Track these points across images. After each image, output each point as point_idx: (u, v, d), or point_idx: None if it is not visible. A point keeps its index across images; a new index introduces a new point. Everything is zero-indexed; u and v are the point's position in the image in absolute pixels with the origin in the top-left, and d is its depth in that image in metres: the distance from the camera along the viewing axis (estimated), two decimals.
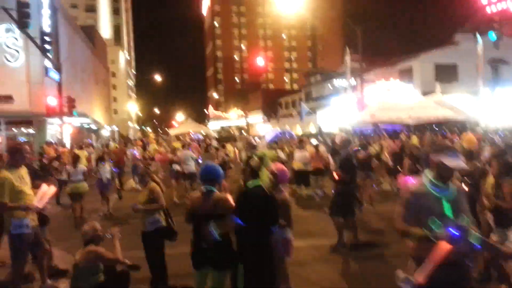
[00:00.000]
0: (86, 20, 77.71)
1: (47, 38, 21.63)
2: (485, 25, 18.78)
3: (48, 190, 5.14)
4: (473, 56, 20.27)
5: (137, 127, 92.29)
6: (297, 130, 31.02)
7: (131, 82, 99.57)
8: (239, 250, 3.65)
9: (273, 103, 56.13)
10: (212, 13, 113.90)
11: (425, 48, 30.66)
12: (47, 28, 24.71)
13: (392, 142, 12.77)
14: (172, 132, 46.75)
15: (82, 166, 10.30)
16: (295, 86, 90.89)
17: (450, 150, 3.07)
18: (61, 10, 31.35)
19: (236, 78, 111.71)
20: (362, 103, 21.85)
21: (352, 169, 7.23)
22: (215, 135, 45.75)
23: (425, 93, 23.43)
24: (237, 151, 14.42)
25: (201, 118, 79.91)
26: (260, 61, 27.20)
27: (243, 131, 49.49)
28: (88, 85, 41.71)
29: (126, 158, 16.82)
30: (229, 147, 15.59)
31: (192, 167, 12.32)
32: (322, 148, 12.58)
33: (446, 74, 28.06)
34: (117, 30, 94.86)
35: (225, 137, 36.91)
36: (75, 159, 10.26)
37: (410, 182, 3.72)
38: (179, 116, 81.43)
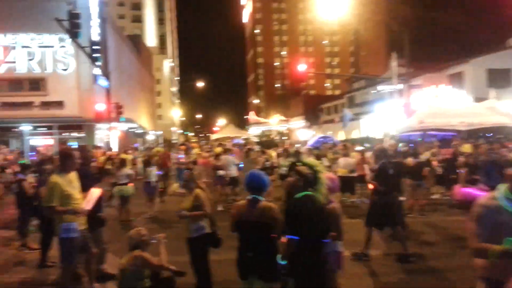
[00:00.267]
0: (133, 30, 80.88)
1: (96, 47, 22.55)
2: None
3: (95, 193, 5.19)
4: None
5: (180, 132, 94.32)
6: (340, 136, 30.41)
7: (174, 89, 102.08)
8: (289, 263, 3.45)
9: (314, 109, 55.50)
10: (254, 21, 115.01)
11: (476, 52, 29.25)
12: (96, 38, 25.79)
13: (443, 149, 12.13)
14: (213, 137, 47.38)
15: (127, 169, 10.52)
16: (337, 92, 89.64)
17: None
18: (109, 20, 32.61)
19: (276, 84, 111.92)
20: (409, 109, 21.04)
21: (388, 180, 6.91)
22: (256, 140, 45.82)
23: (477, 99, 22.21)
24: (275, 157, 14.16)
25: (241, 123, 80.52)
26: (302, 67, 26.90)
27: (283, 137, 49.25)
28: (134, 92, 43.08)
29: (170, 162, 17.07)
30: (271, 152, 15.39)
31: (234, 172, 12.28)
32: (368, 155, 12.12)
33: (499, 79, 26.56)
34: (162, 39, 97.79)
35: (266, 141, 36.82)
36: (121, 163, 10.47)
37: (474, 194, 3.37)
38: (220, 122, 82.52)
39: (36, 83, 27.25)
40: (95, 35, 26.06)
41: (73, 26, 17.58)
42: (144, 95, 50.86)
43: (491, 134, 19.09)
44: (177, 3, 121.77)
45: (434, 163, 11.26)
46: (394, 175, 7.02)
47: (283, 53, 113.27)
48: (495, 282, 2.58)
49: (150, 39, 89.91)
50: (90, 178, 5.84)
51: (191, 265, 5.15)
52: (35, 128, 26.86)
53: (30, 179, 8.12)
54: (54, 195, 4.80)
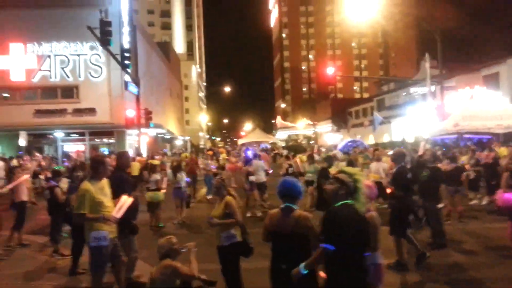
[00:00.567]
0: (162, 37, 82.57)
1: (127, 54, 22.97)
2: None
3: (126, 201, 5.14)
4: None
5: (207, 137, 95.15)
6: (370, 141, 29.79)
7: (202, 94, 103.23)
8: (327, 276, 3.26)
9: (342, 112, 54.66)
10: (280, 25, 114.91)
11: None
12: (127, 45, 26.32)
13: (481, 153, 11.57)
14: (240, 142, 47.40)
15: (156, 175, 10.54)
16: (365, 95, 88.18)
17: None
18: (139, 28, 33.22)
19: (303, 88, 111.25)
20: (443, 112, 20.35)
21: (406, 184, 6.77)
22: (282, 144, 45.59)
23: None
24: (299, 162, 13.77)
25: (268, 128, 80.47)
26: (330, 70, 26.56)
27: (311, 141, 48.77)
28: (163, 98, 43.73)
29: (198, 168, 17.10)
30: (302, 157, 15.09)
31: (262, 177, 12.14)
32: None
33: None
34: (190, 45, 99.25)
35: (292, 146, 36.48)
36: (152, 168, 10.51)
37: None
38: (247, 126, 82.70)
39: (69, 91, 28.05)
40: (126, 43, 26.59)
41: (104, 34, 17.93)
42: (172, 101, 51.57)
43: None
44: (205, 10, 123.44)
45: (467, 166, 10.78)
46: (429, 180, 6.72)
47: (310, 56, 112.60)
48: None
49: (179, 45, 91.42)
50: (126, 184, 5.78)
51: (222, 273, 5.03)
52: (67, 134, 27.60)
53: (64, 184, 8.23)
54: (84, 202, 4.78)
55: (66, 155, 24.68)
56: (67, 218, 7.57)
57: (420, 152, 9.57)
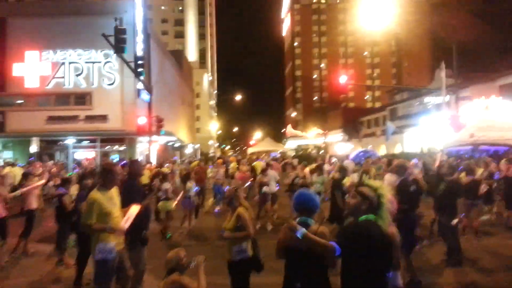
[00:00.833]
0: (175, 45, 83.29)
1: (140, 62, 23.03)
2: None
3: (134, 211, 4.99)
4: None
5: (217, 145, 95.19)
6: (382, 151, 29.38)
7: (213, 102, 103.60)
8: None
9: (354, 121, 54.28)
10: (293, 34, 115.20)
11: None
12: (140, 53, 26.45)
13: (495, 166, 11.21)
14: (249, 150, 47.25)
15: (167, 184, 10.42)
16: (377, 105, 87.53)
17: None
18: (153, 36, 33.44)
19: (315, 97, 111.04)
20: (457, 122, 19.93)
21: (409, 197, 6.47)
22: (292, 153, 45.27)
23: None
24: (307, 173, 13.28)
25: (278, 137, 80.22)
26: (342, 79, 26.30)
27: (321, 150, 48.36)
28: (174, 106, 43.87)
29: (207, 177, 16.90)
30: (311, 167, 14.76)
31: (274, 187, 11.92)
32: (417, 170, 11.40)
33: None
34: (202, 54, 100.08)
35: (302, 155, 36.12)
36: (163, 177, 10.39)
37: None
38: (257, 135, 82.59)
39: (82, 98, 28.26)
40: (140, 51, 26.74)
41: (119, 42, 18.01)
42: (183, 109, 51.74)
43: None
44: (217, 19, 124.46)
45: (482, 180, 10.41)
46: (445, 194, 6.41)
47: (322, 65, 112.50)
48: None
49: (191, 53, 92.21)
50: (137, 193, 5.65)
51: None
52: (79, 141, 27.75)
53: (74, 190, 8.14)
54: (92, 212, 4.65)
55: (77, 162, 24.75)
56: (74, 227, 7.46)
57: (437, 164, 9.26)
